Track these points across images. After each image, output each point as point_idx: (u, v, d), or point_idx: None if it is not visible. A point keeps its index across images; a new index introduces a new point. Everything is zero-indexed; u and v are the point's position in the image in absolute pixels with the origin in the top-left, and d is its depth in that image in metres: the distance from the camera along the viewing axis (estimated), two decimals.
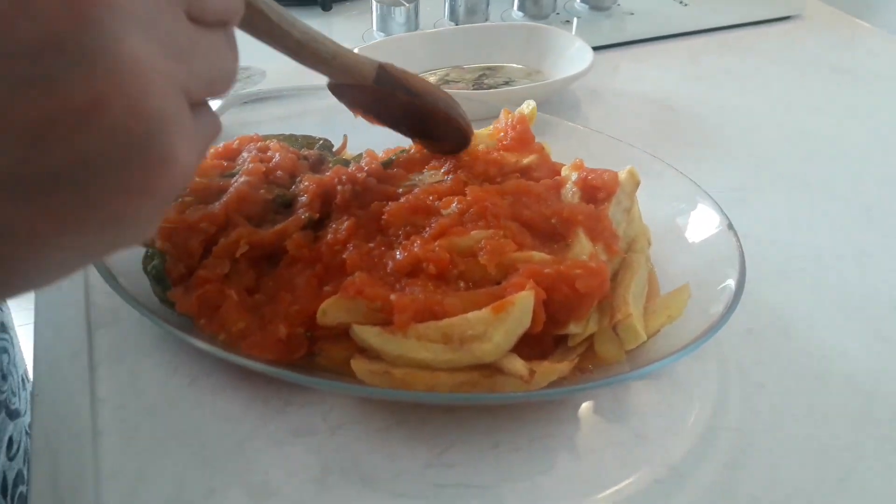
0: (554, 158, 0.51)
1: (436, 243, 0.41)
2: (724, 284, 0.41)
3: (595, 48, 0.70)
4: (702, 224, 0.47)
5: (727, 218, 0.46)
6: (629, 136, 0.55)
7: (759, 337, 0.45)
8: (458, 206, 0.44)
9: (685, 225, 0.48)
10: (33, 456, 0.37)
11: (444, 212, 0.44)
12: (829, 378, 0.42)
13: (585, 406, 0.40)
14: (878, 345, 0.45)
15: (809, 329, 0.45)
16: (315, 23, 0.83)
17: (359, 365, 0.37)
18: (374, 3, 0.76)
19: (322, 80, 0.64)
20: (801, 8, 0.88)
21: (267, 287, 0.43)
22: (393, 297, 0.38)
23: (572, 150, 0.52)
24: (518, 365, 0.36)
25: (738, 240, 0.44)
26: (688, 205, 0.49)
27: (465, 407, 0.40)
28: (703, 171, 0.54)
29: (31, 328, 0.44)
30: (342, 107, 0.67)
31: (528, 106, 0.53)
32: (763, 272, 0.49)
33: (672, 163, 0.50)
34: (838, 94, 0.73)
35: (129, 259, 0.44)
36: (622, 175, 0.45)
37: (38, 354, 0.42)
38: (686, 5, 0.87)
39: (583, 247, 0.41)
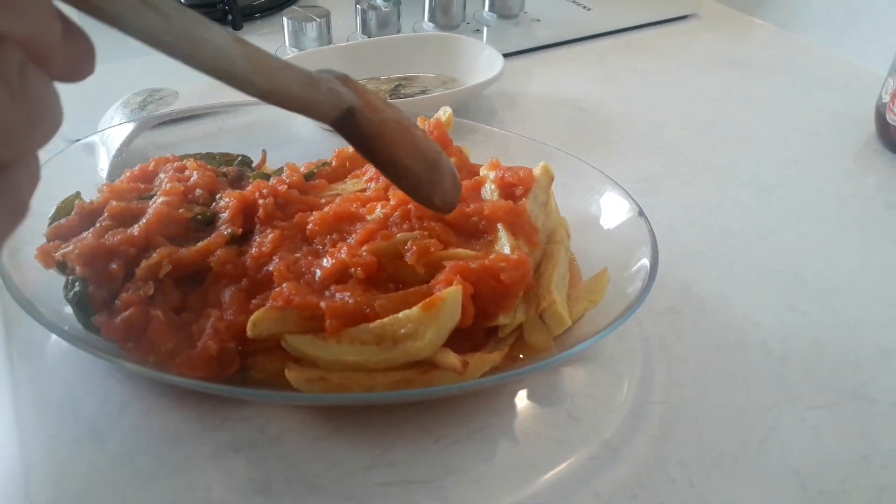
0: (473, 160, 0.53)
1: (362, 248, 0.42)
2: (638, 265, 0.43)
3: (506, 55, 0.72)
4: (615, 213, 0.49)
5: (637, 205, 0.48)
6: (544, 137, 0.57)
7: (679, 314, 0.47)
8: (383, 210, 0.45)
9: (600, 215, 0.50)
10: None
11: (368, 217, 0.45)
12: (745, 347, 0.45)
13: (520, 394, 0.41)
14: (786, 313, 0.48)
15: (725, 304, 0.48)
16: None
17: (293, 374, 0.37)
18: (285, 20, 0.76)
19: (234, 97, 0.64)
20: (697, 7, 0.93)
21: (194, 305, 0.42)
22: (323, 304, 0.38)
23: (491, 153, 0.53)
24: (451, 358, 0.37)
25: (648, 224, 0.46)
26: (601, 196, 0.51)
27: (404, 406, 0.40)
28: (615, 164, 0.57)
29: None
30: (260, 123, 0.68)
31: (444, 112, 0.55)
32: (678, 254, 0.51)
33: (585, 159, 0.52)
34: (736, 86, 0.77)
35: (49, 288, 0.43)
36: (537, 171, 0.47)
37: None
38: (590, 10, 0.90)
39: (505, 241, 0.42)
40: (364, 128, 0.34)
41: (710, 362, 0.44)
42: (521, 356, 0.41)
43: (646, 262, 0.43)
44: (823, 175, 0.63)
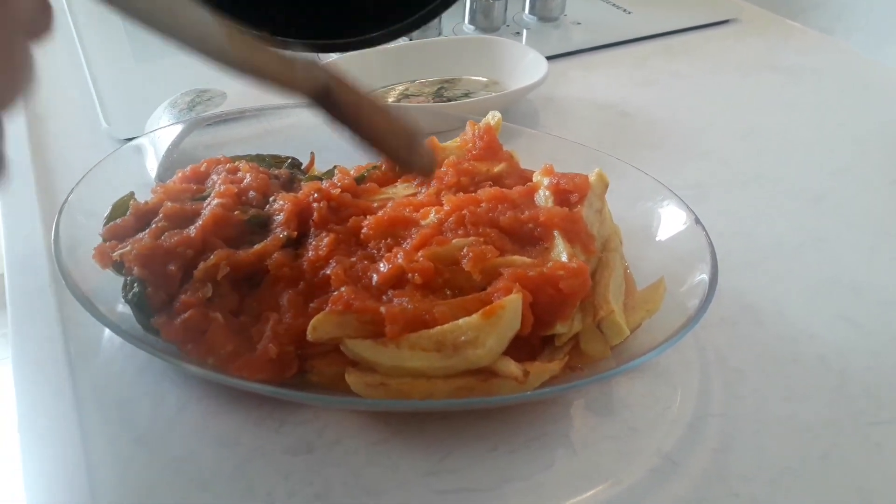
0: (521, 165, 0.52)
1: (419, 253, 0.42)
2: (698, 277, 0.43)
3: (546, 58, 0.72)
4: (669, 220, 0.49)
5: (693, 213, 0.47)
6: (588, 141, 0.57)
7: (733, 325, 0.46)
8: (437, 215, 0.45)
9: (653, 222, 0.50)
10: (28, 495, 0.35)
11: (423, 222, 0.45)
12: (802, 360, 0.44)
13: (576, 403, 0.41)
14: (842, 325, 0.47)
15: (778, 314, 0.47)
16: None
17: (354, 378, 0.37)
18: None
19: (281, 98, 0.64)
20: (738, 12, 0.92)
21: (251, 308, 0.42)
22: (383, 308, 0.38)
23: (536, 157, 0.53)
24: (512, 367, 0.37)
25: (705, 232, 0.45)
26: (653, 203, 0.50)
27: (461, 413, 0.40)
28: (661, 170, 0.56)
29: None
30: (305, 124, 0.68)
31: (493, 117, 0.54)
32: (729, 263, 0.50)
33: (630, 164, 0.52)
34: (779, 92, 0.76)
35: (107, 289, 0.43)
36: (592, 177, 0.47)
37: (21, 393, 0.40)
38: (630, 13, 0.90)
39: (562, 249, 0.42)
40: (342, 106, 0.35)
41: (767, 375, 0.43)
42: (580, 366, 0.40)
43: (704, 272, 0.43)
44: (874, 184, 0.62)
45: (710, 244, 0.44)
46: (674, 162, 0.64)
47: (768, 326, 0.47)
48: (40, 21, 0.25)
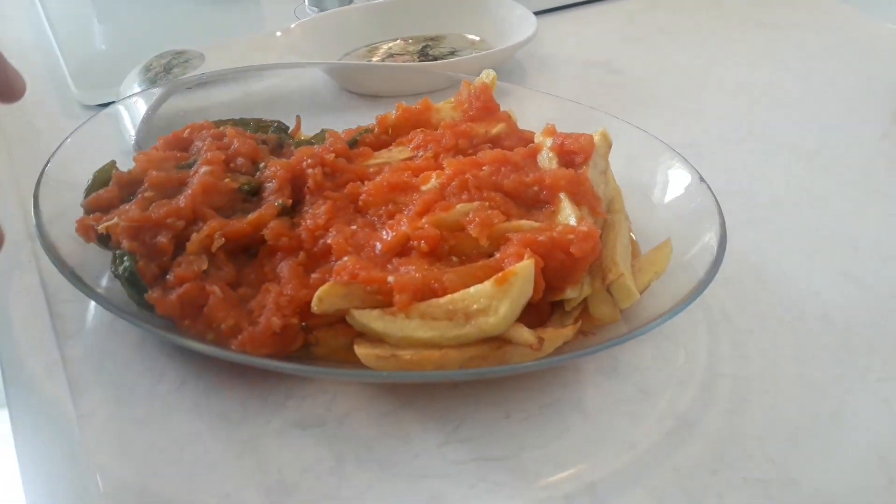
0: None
1: (423, 219, 0.40)
2: (705, 237, 0.42)
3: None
4: (671, 179, 0.48)
5: (697, 171, 0.47)
6: (578, 100, 0.55)
7: (738, 284, 0.46)
8: (439, 180, 0.43)
9: (655, 181, 0.49)
10: (24, 479, 0.34)
11: (423, 187, 0.44)
12: (807, 318, 0.44)
13: (587, 368, 0.41)
14: (844, 282, 0.47)
15: (782, 273, 0.47)
16: (244, 3, 0.80)
17: (364, 351, 0.36)
18: None
19: (265, 59, 0.62)
20: None
21: (249, 280, 0.41)
22: (391, 278, 0.37)
23: (530, 116, 0.52)
24: (526, 334, 0.36)
25: (711, 191, 0.45)
26: (655, 161, 0.49)
27: (472, 382, 0.39)
28: (655, 128, 0.55)
29: None
30: (287, 87, 0.65)
31: (488, 76, 0.53)
32: (730, 222, 0.50)
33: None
34: (768, 49, 0.76)
35: (92, 263, 0.41)
36: (596, 137, 0.45)
37: (9, 377, 0.38)
38: None
39: (570, 212, 0.41)
40: None
41: (774, 333, 0.43)
42: (594, 331, 0.40)
43: (710, 232, 0.42)
44: (866, 139, 0.61)
45: (717, 203, 0.44)
46: (666, 120, 0.63)
47: (772, 285, 0.46)
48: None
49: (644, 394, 0.39)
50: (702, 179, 0.46)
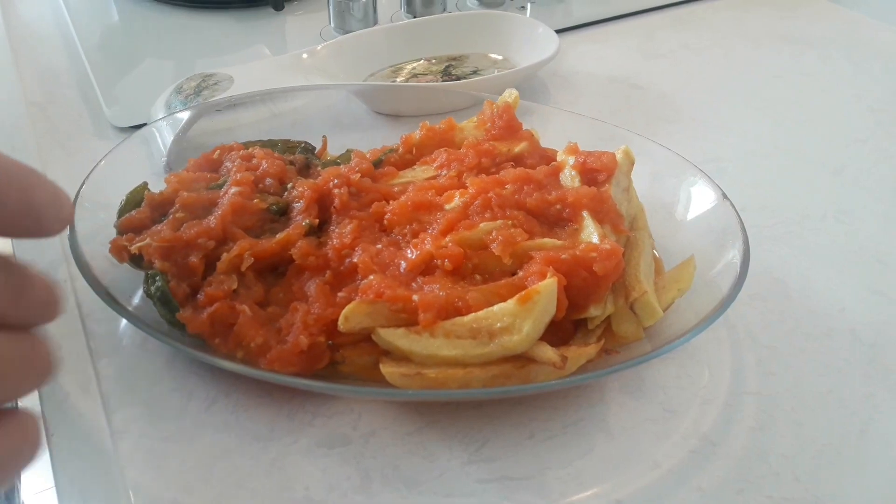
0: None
1: (446, 238, 0.41)
2: (728, 254, 0.42)
3: None
4: (694, 196, 0.48)
5: (720, 188, 0.47)
6: (600, 117, 0.56)
7: (763, 301, 0.46)
8: (462, 199, 0.44)
9: (677, 198, 0.49)
10: (59, 494, 0.35)
11: (447, 206, 0.44)
12: (834, 334, 0.44)
13: (611, 386, 0.41)
14: (871, 298, 0.47)
15: (808, 289, 0.47)
16: (268, 24, 0.81)
17: (389, 369, 0.37)
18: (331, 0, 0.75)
19: (292, 81, 0.63)
20: None
21: (277, 298, 0.42)
22: (415, 297, 0.37)
23: (551, 134, 0.52)
24: (550, 353, 0.36)
25: (734, 209, 0.45)
26: (677, 178, 0.50)
27: (495, 401, 0.39)
28: (679, 144, 0.55)
29: None
30: (313, 108, 0.67)
31: (510, 95, 0.53)
32: (755, 238, 0.49)
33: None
34: (792, 62, 0.75)
35: (124, 282, 0.42)
36: (618, 155, 0.46)
37: (46, 394, 0.39)
38: None
39: (592, 230, 0.41)
40: None
41: (799, 351, 0.43)
42: (617, 350, 0.40)
43: (733, 249, 0.42)
44: (891, 154, 0.61)
45: (740, 220, 0.44)
46: (690, 136, 0.63)
47: (798, 301, 0.46)
48: (51, 307, 0.25)
49: (668, 412, 0.39)
50: (725, 196, 0.46)
